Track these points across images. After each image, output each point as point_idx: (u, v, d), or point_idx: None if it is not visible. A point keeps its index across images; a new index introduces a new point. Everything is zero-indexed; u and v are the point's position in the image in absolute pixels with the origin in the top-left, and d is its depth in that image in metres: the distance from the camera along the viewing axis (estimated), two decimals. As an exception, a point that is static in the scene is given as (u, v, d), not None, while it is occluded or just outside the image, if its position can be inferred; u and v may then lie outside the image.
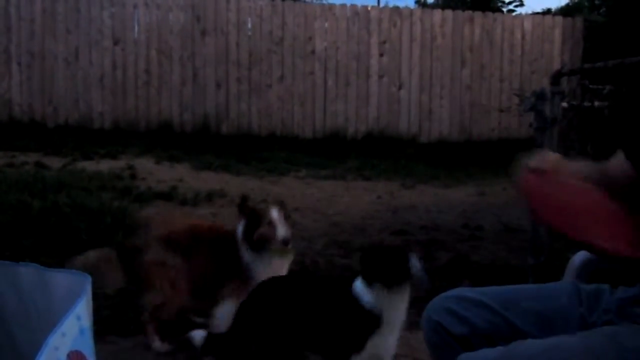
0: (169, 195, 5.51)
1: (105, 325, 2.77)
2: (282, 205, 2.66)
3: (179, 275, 2.63)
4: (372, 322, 1.95)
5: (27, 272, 1.42)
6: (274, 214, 2.56)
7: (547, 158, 1.45)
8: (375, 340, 1.96)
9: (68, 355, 1.13)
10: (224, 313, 2.53)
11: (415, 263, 1.92)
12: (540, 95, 3.27)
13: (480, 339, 1.42)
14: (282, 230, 2.52)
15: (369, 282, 1.96)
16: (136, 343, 2.69)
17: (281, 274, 2.56)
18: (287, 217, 2.64)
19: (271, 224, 2.54)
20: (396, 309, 1.98)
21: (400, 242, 2.53)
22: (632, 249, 1.24)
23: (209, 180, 6.49)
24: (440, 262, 4.03)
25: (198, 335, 2.20)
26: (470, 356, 1.31)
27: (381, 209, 5.70)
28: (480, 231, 4.95)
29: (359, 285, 1.99)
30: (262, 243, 2.56)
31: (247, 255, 2.61)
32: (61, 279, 1.36)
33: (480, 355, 1.30)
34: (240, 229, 2.64)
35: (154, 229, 2.81)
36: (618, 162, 1.42)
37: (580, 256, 1.71)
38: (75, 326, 1.16)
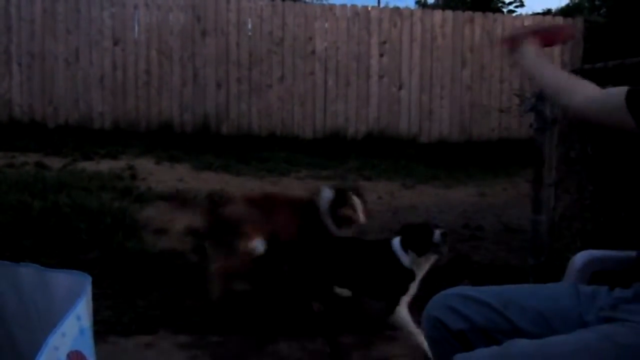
0: (169, 196, 5.51)
1: (105, 326, 2.77)
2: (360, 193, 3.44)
3: (258, 227, 3.09)
4: (410, 276, 2.70)
5: (28, 273, 1.42)
6: (357, 200, 3.29)
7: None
8: (411, 287, 2.71)
9: (68, 356, 1.13)
10: None
11: (437, 237, 2.64)
12: (540, 96, 3.27)
13: (477, 334, 1.43)
14: (362, 217, 3.29)
15: (405, 249, 2.71)
16: (137, 343, 2.70)
17: None
18: (365, 203, 3.39)
19: (354, 207, 3.26)
20: (423, 269, 2.73)
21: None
22: None
23: (209, 180, 6.49)
24: (440, 262, 4.03)
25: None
26: (465, 356, 1.32)
27: (382, 209, 5.70)
28: (481, 231, 4.96)
29: (398, 248, 2.73)
30: (343, 220, 3.26)
31: (329, 223, 3.27)
32: (61, 279, 1.37)
33: (476, 355, 1.31)
34: (325, 201, 3.28)
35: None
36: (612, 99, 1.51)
37: (581, 257, 1.71)
38: (75, 326, 1.16)
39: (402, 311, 2.67)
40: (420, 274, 2.72)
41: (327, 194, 3.32)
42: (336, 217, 3.25)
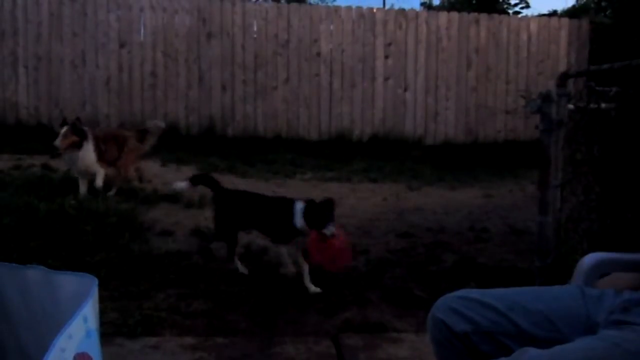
0: (174, 198, 5.52)
1: (111, 327, 2.78)
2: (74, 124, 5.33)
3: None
4: (297, 233, 3.44)
5: (34, 275, 1.42)
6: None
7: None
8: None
9: (74, 357, 1.13)
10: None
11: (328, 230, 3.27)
12: (546, 97, 3.26)
13: (481, 337, 1.43)
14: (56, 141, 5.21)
15: (304, 217, 3.38)
16: (143, 345, 2.70)
17: None
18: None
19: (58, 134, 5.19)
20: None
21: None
22: None
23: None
24: (446, 265, 4.03)
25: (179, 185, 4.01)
26: None
27: (387, 211, 5.69)
28: (486, 233, 4.94)
29: (298, 211, 3.40)
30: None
31: None
32: (68, 281, 1.37)
33: None
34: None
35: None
36: None
37: (589, 259, 1.70)
38: (82, 328, 1.17)
39: (282, 250, 3.66)
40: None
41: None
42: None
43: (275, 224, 3.58)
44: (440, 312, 1.50)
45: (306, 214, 3.36)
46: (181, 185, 3.92)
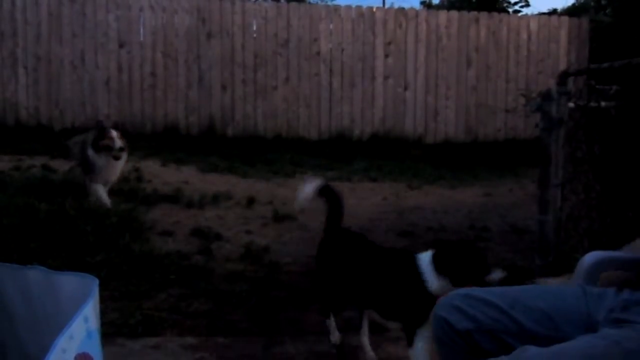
0: (175, 198, 5.53)
1: (112, 328, 2.78)
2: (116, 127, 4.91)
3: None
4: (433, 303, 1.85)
5: (35, 275, 1.42)
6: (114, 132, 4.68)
7: None
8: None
9: (76, 358, 1.13)
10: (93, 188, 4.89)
11: (496, 276, 2.03)
12: (546, 96, 3.26)
13: (483, 335, 1.43)
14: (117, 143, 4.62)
15: (439, 272, 2.08)
16: (144, 345, 2.70)
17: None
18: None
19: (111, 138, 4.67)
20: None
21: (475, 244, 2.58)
22: None
23: (215, 182, 6.50)
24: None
25: None
26: None
27: (387, 210, 5.70)
28: (487, 232, 4.94)
29: (426, 265, 2.11)
30: (104, 149, 4.66)
31: (91, 153, 4.75)
32: (68, 282, 1.37)
33: None
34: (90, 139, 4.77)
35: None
36: None
37: (590, 258, 1.70)
38: (82, 328, 1.17)
39: (418, 346, 2.12)
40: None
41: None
42: (98, 147, 4.68)
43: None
44: (442, 311, 1.51)
45: (445, 267, 2.10)
46: (308, 191, 2.69)
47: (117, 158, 4.71)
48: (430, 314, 1.86)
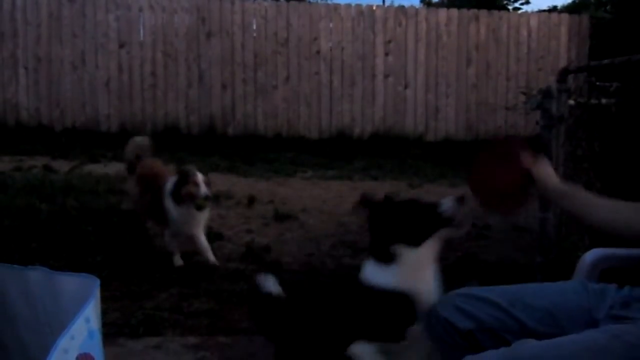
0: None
1: (113, 328, 2.78)
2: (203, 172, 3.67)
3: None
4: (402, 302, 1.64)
5: (36, 276, 1.43)
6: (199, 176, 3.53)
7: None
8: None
9: (77, 358, 1.13)
10: (166, 240, 3.81)
11: (447, 205, 1.73)
12: (546, 93, 3.25)
13: (484, 334, 1.43)
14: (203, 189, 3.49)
15: (387, 261, 1.67)
16: (145, 345, 2.70)
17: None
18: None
19: (196, 183, 3.51)
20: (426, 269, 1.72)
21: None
22: None
23: (216, 181, 6.45)
24: (448, 262, 4.03)
25: None
26: (474, 358, 1.31)
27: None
28: (488, 230, 4.94)
29: (368, 269, 1.71)
30: (187, 197, 3.53)
31: (170, 204, 3.61)
32: (70, 282, 1.37)
33: (485, 357, 1.30)
34: (169, 185, 3.63)
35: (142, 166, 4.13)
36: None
37: (590, 255, 1.71)
38: (84, 329, 1.17)
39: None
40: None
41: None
42: (179, 196, 3.56)
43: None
44: (443, 310, 1.51)
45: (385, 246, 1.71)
46: None
47: (200, 208, 3.58)
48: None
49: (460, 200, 1.76)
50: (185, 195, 3.55)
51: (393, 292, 1.64)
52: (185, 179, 3.58)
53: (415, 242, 1.66)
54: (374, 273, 1.68)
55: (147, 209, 3.93)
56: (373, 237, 1.75)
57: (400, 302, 1.63)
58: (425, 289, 1.68)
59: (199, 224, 3.76)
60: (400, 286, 1.64)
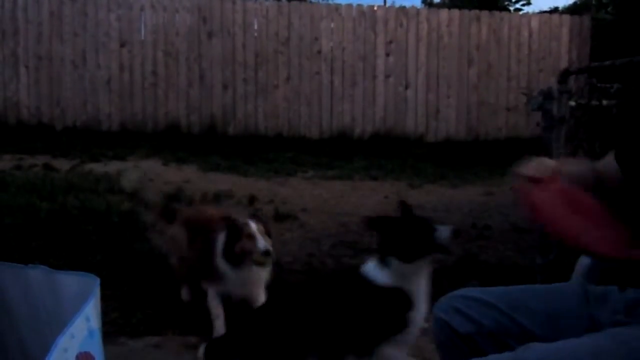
0: (176, 197, 5.52)
1: (114, 327, 2.78)
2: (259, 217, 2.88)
3: (185, 252, 3.12)
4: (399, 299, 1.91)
5: (36, 274, 1.43)
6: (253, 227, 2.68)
7: (542, 166, 1.50)
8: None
9: (77, 357, 1.13)
10: (209, 300, 2.90)
11: (444, 233, 1.96)
12: (547, 94, 3.25)
13: (485, 337, 1.42)
14: (261, 243, 2.64)
15: (385, 264, 1.93)
16: (146, 344, 2.70)
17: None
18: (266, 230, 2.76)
19: (251, 236, 2.67)
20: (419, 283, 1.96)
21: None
22: (620, 251, 1.31)
23: (216, 181, 6.50)
24: (448, 262, 4.02)
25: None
26: None
27: (388, 209, 5.68)
28: (488, 231, 4.93)
29: (370, 267, 1.97)
30: (242, 256, 2.69)
31: (222, 264, 2.76)
32: (70, 281, 1.37)
33: None
34: (220, 241, 2.77)
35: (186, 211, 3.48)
36: (610, 161, 1.46)
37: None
38: (84, 327, 1.17)
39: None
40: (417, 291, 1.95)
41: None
42: (232, 255, 2.72)
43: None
44: (442, 313, 1.50)
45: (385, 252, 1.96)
46: None
47: (260, 264, 2.78)
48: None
49: (457, 233, 2.01)
50: (240, 253, 2.76)
51: (387, 287, 1.92)
52: (237, 232, 2.78)
53: (407, 259, 1.92)
54: (373, 271, 1.96)
55: (193, 266, 3.13)
56: (378, 243, 2.01)
57: (393, 295, 1.91)
58: (417, 289, 1.96)
59: (260, 285, 2.93)
60: (393, 283, 1.93)
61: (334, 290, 2.04)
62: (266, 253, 2.68)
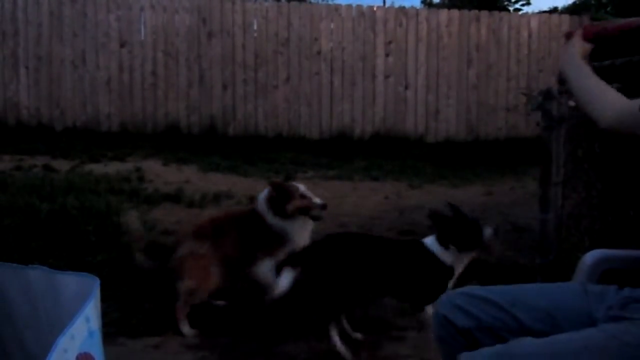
0: (176, 197, 5.53)
1: (114, 327, 2.78)
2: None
3: (209, 261, 3.00)
4: (450, 273, 2.63)
5: (36, 275, 1.43)
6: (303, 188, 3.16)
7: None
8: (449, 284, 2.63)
9: (77, 358, 1.13)
10: (265, 272, 3.02)
11: (489, 233, 2.59)
12: (547, 94, 3.26)
13: (483, 332, 1.44)
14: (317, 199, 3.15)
15: (446, 246, 2.61)
16: (145, 345, 2.70)
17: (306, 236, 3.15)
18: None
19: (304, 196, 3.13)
20: (462, 265, 2.67)
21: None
22: None
23: (216, 181, 6.50)
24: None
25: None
26: (470, 355, 1.33)
27: (388, 209, 5.69)
28: (488, 231, 4.93)
29: (435, 245, 2.63)
30: (297, 212, 3.09)
31: (275, 222, 3.10)
32: (70, 281, 1.37)
33: (480, 354, 1.31)
34: (264, 203, 3.13)
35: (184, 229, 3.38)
36: None
37: (591, 256, 1.70)
38: (84, 328, 1.17)
39: (429, 309, 2.58)
40: (458, 270, 2.66)
41: (262, 194, 3.19)
42: (283, 213, 3.09)
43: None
44: (443, 309, 1.52)
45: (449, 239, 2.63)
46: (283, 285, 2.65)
47: (318, 218, 3.22)
48: (445, 284, 2.59)
49: (496, 231, 2.67)
50: (294, 211, 3.13)
51: (445, 263, 2.61)
52: (288, 194, 3.15)
53: (463, 249, 2.61)
54: (435, 247, 2.63)
55: (232, 260, 3.14)
56: (438, 232, 2.65)
57: (449, 270, 2.62)
58: (458, 270, 2.67)
59: (307, 238, 3.26)
60: (449, 262, 2.61)
61: (404, 253, 2.71)
62: (323, 207, 3.17)
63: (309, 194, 3.20)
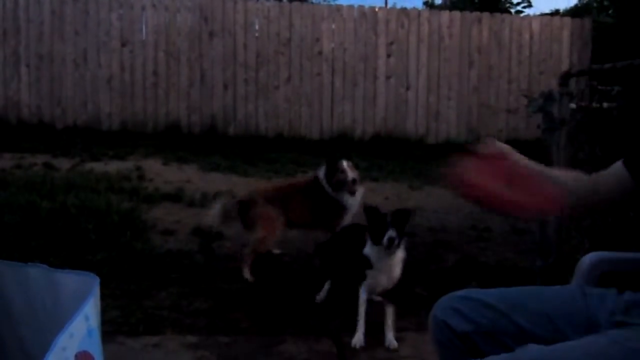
0: (176, 197, 5.53)
1: (113, 326, 2.78)
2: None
3: (277, 219, 3.71)
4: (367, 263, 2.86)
5: (36, 273, 1.43)
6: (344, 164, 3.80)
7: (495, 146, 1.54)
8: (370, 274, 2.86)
9: (76, 356, 1.13)
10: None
11: (390, 233, 2.76)
12: (548, 97, 3.26)
13: (482, 337, 1.43)
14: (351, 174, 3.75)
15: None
16: (145, 344, 2.70)
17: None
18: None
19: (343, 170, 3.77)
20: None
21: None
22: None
23: (217, 181, 6.50)
24: (447, 264, 4.03)
25: None
26: None
27: (389, 210, 5.68)
28: (488, 232, 4.94)
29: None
30: (339, 185, 3.75)
31: (331, 192, 3.80)
32: (69, 280, 1.37)
33: None
34: (323, 175, 3.89)
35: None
36: (612, 173, 1.49)
37: (590, 258, 1.70)
38: (83, 327, 1.17)
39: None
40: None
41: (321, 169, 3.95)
42: (333, 185, 3.79)
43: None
44: (441, 312, 1.50)
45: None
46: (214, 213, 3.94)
47: (352, 193, 3.82)
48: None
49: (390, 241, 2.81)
50: (335, 184, 3.85)
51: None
52: (333, 169, 3.91)
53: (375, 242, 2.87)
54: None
55: (306, 219, 3.90)
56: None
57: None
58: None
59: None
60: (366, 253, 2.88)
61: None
62: (353, 182, 3.77)
63: (348, 170, 3.81)
